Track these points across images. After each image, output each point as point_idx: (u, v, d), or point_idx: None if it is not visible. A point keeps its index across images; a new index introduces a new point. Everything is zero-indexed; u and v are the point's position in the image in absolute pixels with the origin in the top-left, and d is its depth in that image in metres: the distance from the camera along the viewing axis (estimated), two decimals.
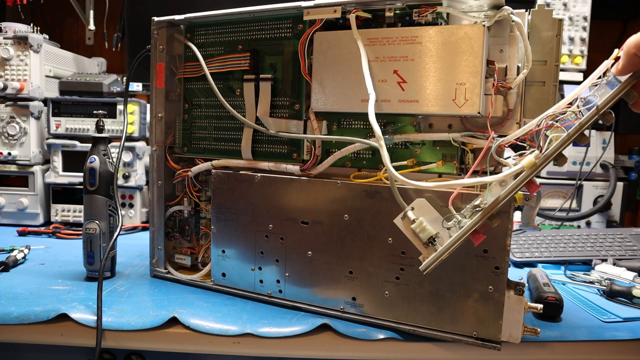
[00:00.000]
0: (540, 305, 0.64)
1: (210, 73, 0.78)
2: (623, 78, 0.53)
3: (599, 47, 1.54)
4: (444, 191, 0.62)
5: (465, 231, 0.57)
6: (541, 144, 0.55)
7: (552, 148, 0.54)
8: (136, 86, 1.37)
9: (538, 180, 1.29)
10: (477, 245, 0.58)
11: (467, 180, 0.58)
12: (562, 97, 1.28)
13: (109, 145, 0.86)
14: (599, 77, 0.55)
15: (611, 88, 0.53)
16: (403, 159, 0.67)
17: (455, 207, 0.61)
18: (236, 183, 0.77)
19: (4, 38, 1.20)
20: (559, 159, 0.55)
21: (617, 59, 0.54)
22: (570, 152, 1.33)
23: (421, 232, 0.61)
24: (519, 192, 0.58)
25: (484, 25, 0.60)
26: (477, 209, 0.57)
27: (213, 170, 0.80)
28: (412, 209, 0.63)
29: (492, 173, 0.59)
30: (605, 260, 0.94)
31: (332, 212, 0.70)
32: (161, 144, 0.85)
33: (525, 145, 0.60)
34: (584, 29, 1.36)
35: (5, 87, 1.19)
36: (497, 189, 0.57)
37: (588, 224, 1.36)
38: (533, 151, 0.55)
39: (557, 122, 0.55)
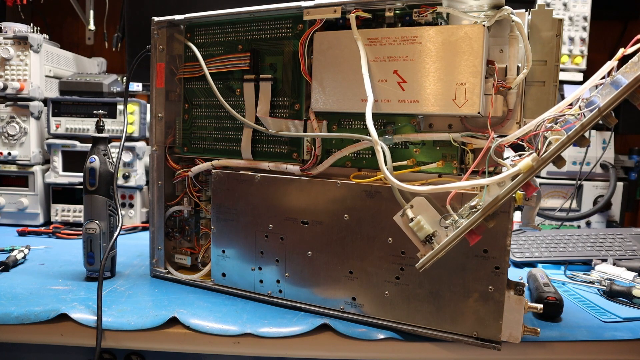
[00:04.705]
0: (540, 305, 0.64)
1: (210, 73, 0.78)
2: (630, 77, 0.50)
3: (599, 47, 1.54)
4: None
5: (460, 231, 0.57)
6: (539, 147, 0.54)
7: (550, 151, 0.53)
8: (136, 86, 1.37)
9: (538, 181, 1.29)
10: (472, 245, 0.58)
11: (463, 183, 0.58)
12: (562, 97, 1.28)
13: (109, 145, 0.86)
14: (603, 77, 0.54)
15: (616, 88, 0.51)
16: (403, 159, 0.67)
17: (453, 207, 0.61)
18: (236, 183, 0.77)
19: (4, 38, 1.20)
20: (558, 161, 0.54)
21: (621, 59, 0.53)
22: (570, 152, 1.33)
23: (418, 230, 0.61)
24: (519, 192, 0.58)
25: (484, 25, 0.60)
26: (473, 210, 0.57)
27: (213, 170, 0.80)
28: (412, 207, 0.63)
29: (492, 173, 0.59)
30: (605, 260, 0.94)
31: (332, 212, 0.70)
32: (161, 144, 0.85)
33: (524, 145, 0.59)
34: (584, 29, 1.36)
35: (5, 87, 1.19)
36: (495, 189, 0.57)
37: (588, 224, 1.36)
38: (531, 153, 0.55)
39: (557, 124, 0.55)
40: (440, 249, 0.58)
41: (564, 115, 0.54)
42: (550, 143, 0.54)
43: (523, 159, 0.55)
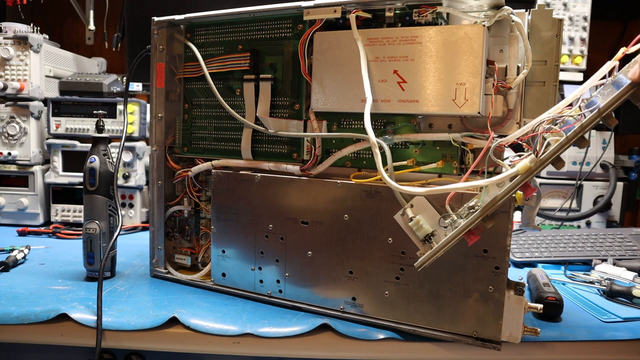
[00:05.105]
0: (540, 305, 0.64)
1: (211, 73, 0.78)
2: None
3: (599, 47, 1.54)
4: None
5: (458, 232, 0.57)
6: (537, 148, 0.54)
7: (548, 152, 0.53)
8: (136, 86, 1.37)
9: (538, 181, 1.29)
10: (470, 245, 0.58)
11: (460, 185, 0.58)
12: (562, 97, 1.28)
13: (109, 145, 0.86)
14: (603, 78, 0.54)
15: (617, 88, 0.50)
16: (403, 159, 0.67)
17: (453, 207, 0.61)
18: (236, 183, 0.77)
19: (4, 38, 1.20)
20: (556, 163, 0.53)
21: (622, 59, 0.51)
22: (570, 152, 1.33)
23: (418, 229, 0.62)
24: (518, 192, 0.58)
25: (484, 25, 0.60)
26: (472, 210, 0.57)
27: (213, 170, 0.80)
28: (412, 206, 0.63)
29: (492, 173, 0.59)
30: (605, 260, 0.94)
31: (332, 212, 0.70)
32: (161, 144, 0.85)
33: (524, 145, 0.59)
34: (584, 29, 1.36)
35: (5, 87, 1.19)
36: (494, 189, 0.57)
37: (588, 224, 1.36)
38: (529, 154, 0.55)
39: (555, 125, 0.54)
40: (439, 248, 0.58)
41: (562, 116, 0.54)
42: (549, 144, 0.53)
43: (521, 160, 0.55)
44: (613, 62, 0.52)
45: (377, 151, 0.61)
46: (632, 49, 0.51)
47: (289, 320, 0.69)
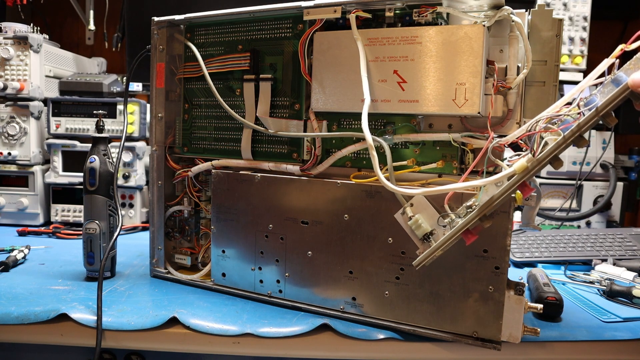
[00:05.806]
0: (540, 305, 0.64)
1: (211, 73, 0.78)
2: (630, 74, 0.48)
3: (599, 47, 1.54)
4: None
5: (456, 231, 0.57)
6: (535, 148, 0.53)
7: (545, 152, 0.52)
8: (136, 86, 1.37)
9: (538, 181, 1.29)
10: (468, 244, 0.58)
11: (458, 185, 0.58)
12: (562, 97, 1.28)
13: (109, 145, 0.86)
14: (601, 75, 0.53)
15: (617, 86, 0.49)
16: (403, 159, 0.67)
17: (452, 206, 0.61)
18: (236, 183, 0.77)
19: (4, 38, 1.20)
20: (555, 162, 0.53)
21: (620, 56, 0.51)
22: (570, 152, 1.33)
23: (417, 228, 0.62)
24: (518, 192, 0.57)
25: (484, 25, 0.60)
26: (469, 210, 0.57)
27: (213, 170, 0.80)
28: (411, 205, 0.63)
29: (491, 173, 0.59)
30: (605, 260, 0.94)
31: (332, 212, 0.70)
32: (161, 144, 0.85)
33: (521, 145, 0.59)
34: (584, 29, 1.36)
35: (5, 87, 1.19)
36: (493, 189, 0.57)
37: (588, 224, 1.36)
38: (527, 154, 0.54)
39: (553, 124, 0.54)
40: (437, 247, 0.58)
41: (559, 115, 0.53)
42: (546, 143, 0.53)
43: (518, 160, 0.54)
44: (611, 60, 0.52)
45: (373, 153, 0.61)
46: (631, 46, 0.50)
47: (289, 320, 0.69)
